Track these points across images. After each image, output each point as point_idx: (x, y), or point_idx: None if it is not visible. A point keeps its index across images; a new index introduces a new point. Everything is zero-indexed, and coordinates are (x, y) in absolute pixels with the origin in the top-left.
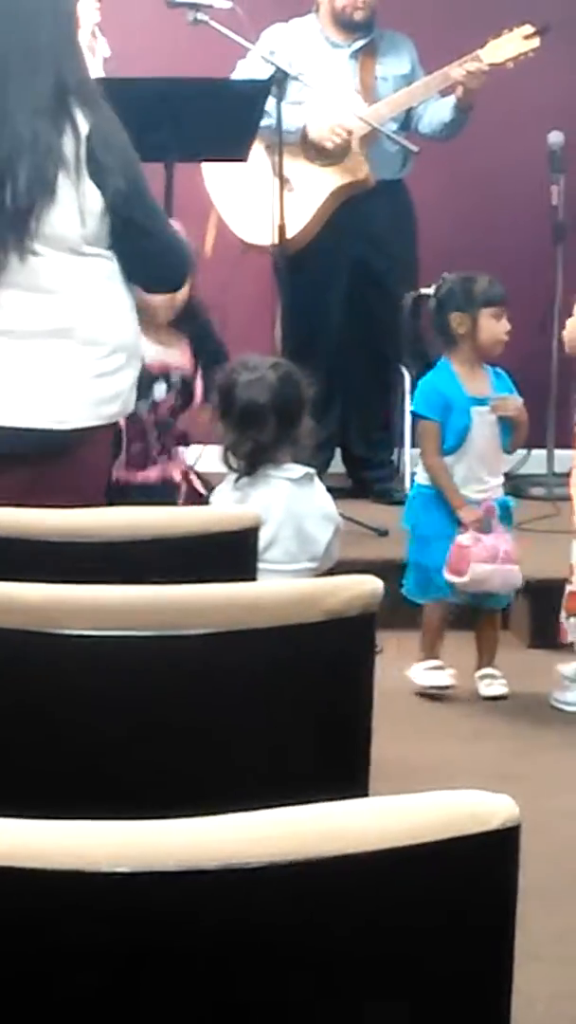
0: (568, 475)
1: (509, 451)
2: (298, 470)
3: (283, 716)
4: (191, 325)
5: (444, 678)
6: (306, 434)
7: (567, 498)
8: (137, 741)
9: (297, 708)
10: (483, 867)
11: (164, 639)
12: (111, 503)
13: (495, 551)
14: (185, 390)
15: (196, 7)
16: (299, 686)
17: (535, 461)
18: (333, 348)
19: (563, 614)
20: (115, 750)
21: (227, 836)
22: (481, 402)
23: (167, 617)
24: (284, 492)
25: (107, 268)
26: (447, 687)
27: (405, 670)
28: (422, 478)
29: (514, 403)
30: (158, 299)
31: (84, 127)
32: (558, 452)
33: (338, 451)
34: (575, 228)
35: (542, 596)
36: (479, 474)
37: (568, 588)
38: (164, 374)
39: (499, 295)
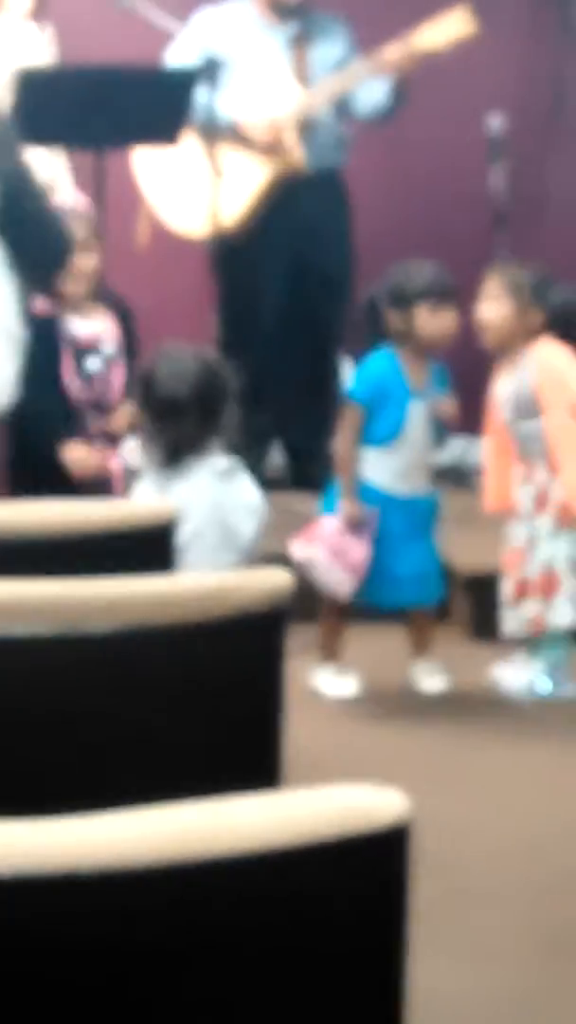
0: None
1: (437, 448)
2: (222, 462)
3: (192, 713)
4: (111, 300)
5: (349, 687)
6: (231, 426)
7: None
8: (41, 740)
9: (206, 705)
10: (373, 864)
11: (67, 637)
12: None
13: (342, 552)
14: (123, 362)
15: None
16: (208, 682)
17: (478, 449)
18: (270, 338)
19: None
20: (18, 749)
21: (107, 837)
22: (420, 395)
23: (70, 614)
24: (207, 484)
25: None
26: (353, 696)
27: (348, 665)
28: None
29: (454, 406)
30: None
31: None
32: None
33: (277, 443)
34: (514, 214)
35: (484, 589)
36: (411, 467)
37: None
38: (93, 348)
39: (437, 289)
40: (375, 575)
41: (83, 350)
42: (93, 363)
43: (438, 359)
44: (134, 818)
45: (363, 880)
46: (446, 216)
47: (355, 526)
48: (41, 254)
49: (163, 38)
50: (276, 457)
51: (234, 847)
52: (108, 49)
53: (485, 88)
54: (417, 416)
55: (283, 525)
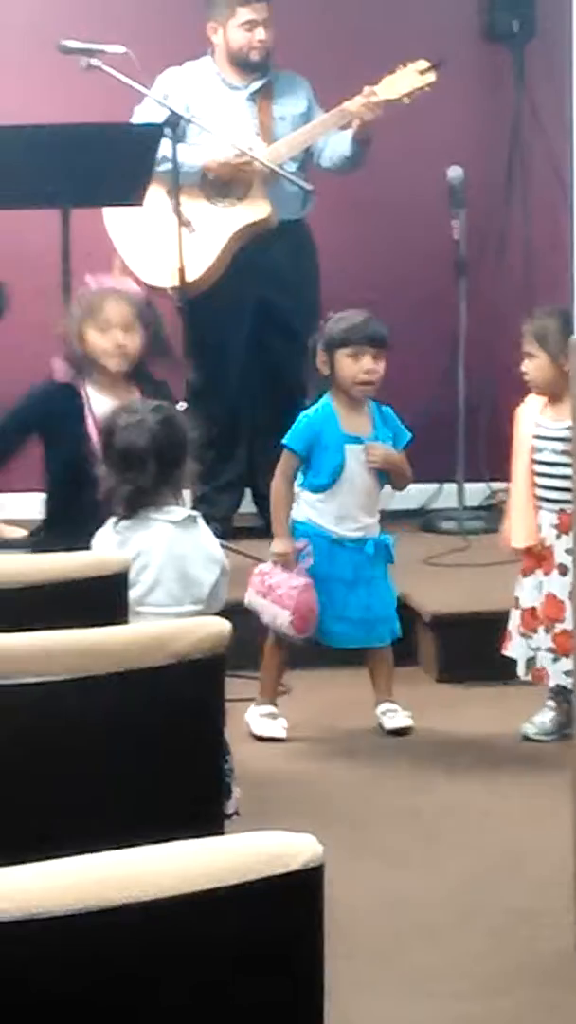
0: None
1: (397, 489)
2: (180, 512)
3: (132, 760)
4: (146, 380)
5: (278, 729)
6: (189, 477)
7: (477, 532)
8: None
9: (146, 751)
10: (286, 907)
11: (5, 687)
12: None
13: (271, 589)
14: None
15: (90, 53)
16: (147, 729)
17: (446, 495)
18: (238, 388)
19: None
20: None
21: (24, 886)
22: (357, 440)
23: (8, 664)
24: (165, 535)
25: None
26: (281, 739)
27: (316, 706)
28: (297, 513)
29: (377, 452)
30: (102, 347)
31: None
32: (468, 486)
33: (248, 491)
34: (476, 262)
35: (451, 630)
36: (353, 512)
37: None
38: None
39: (359, 337)
40: (325, 617)
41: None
42: None
43: (383, 402)
44: (52, 866)
45: (278, 920)
46: (409, 264)
47: (287, 564)
48: None
49: (127, 101)
50: (246, 506)
51: (152, 892)
52: (73, 110)
53: (445, 139)
54: (354, 460)
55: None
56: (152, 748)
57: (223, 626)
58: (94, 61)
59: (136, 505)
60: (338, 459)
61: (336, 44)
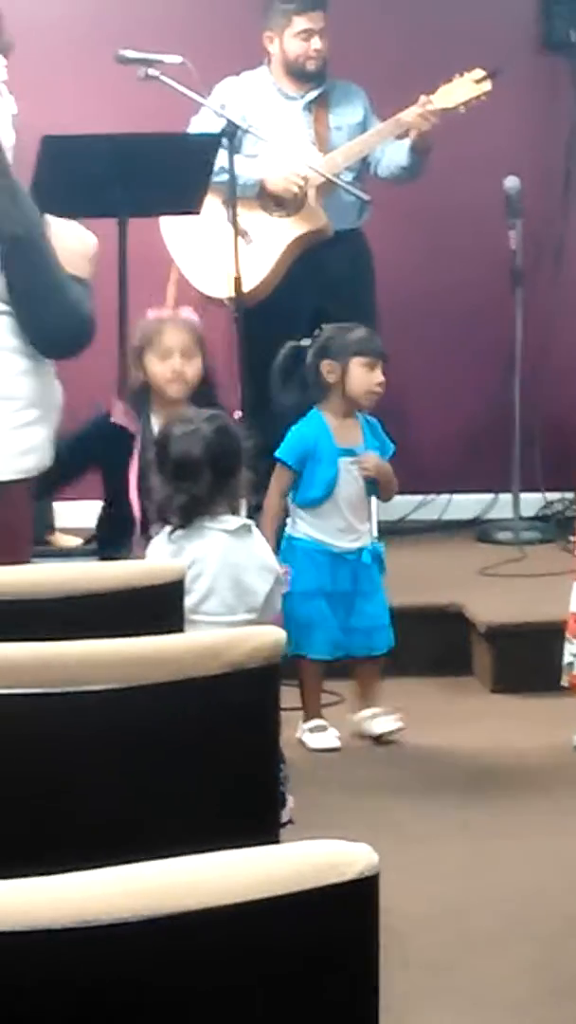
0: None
1: (383, 500)
2: (234, 521)
3: (187, 770)
4: (204, 405)
5: (331, 739)
6: (244, 486)
7: (533, 542)
8: (38, 798)
9: (201, 761)
10: (342, 916)
11: (63, 696)
12: None
13: None
14: None
15: (147, 63)
16: (202, 739)
17: (501, 506)
18: None
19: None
20: (16, 807)
21: (80, 894)
22: (350, 452)
23: (66, 674)
24: (220, 544)
25: (6, 322)
26: (335, 748)
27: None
28: (294, 530)
29: (371, 461)
30: (162, 374)
31: None
32: (524, 496)
33: None
34: (533, 271)
35: (506, 641)
36: (349, 523)
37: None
38: None
39: (374, 348)
40: (333, 630)
41: None
42: None
43: (371, 413)
44: (108, 875)
45: (333, 929)
46: (465, 274)
47: None
48: (51, 336)
49: (184, 111)
50: None
51: (208, 900)
52: (130, 119)
53: (502, 149)
54: (347, 473)
55: None
56: (207, 757)
57: (278, 635)
58: (152, 71)
59: (191, 514)
60: (331, 472)
61: (392, 53)
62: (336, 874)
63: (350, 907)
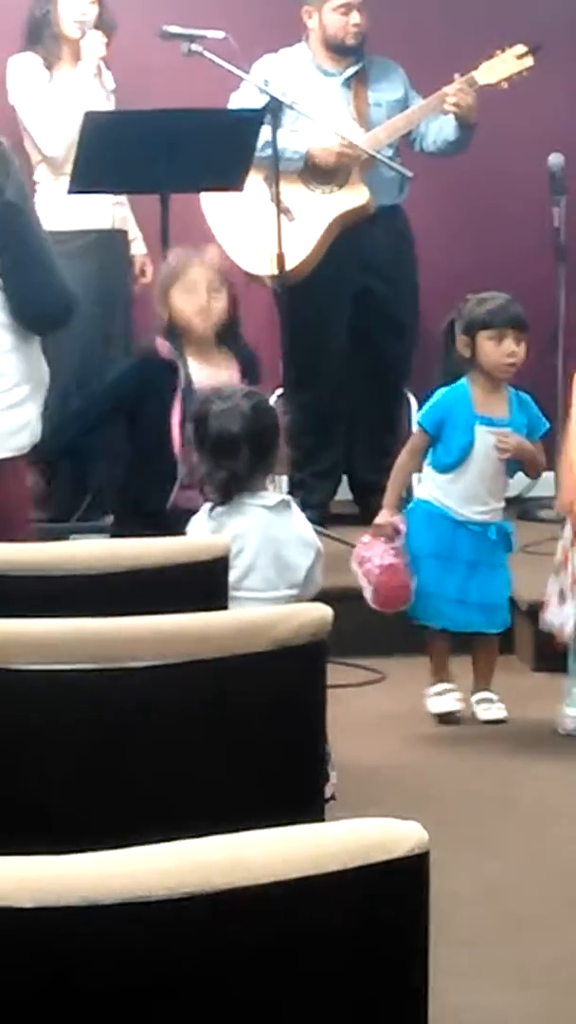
0: None
1: (530, 478)
2: (274, 497)
3: (234, 746)
4: (237, 345)
5: (450, 703)
6: (282, 462)
7: None
8: (85, 775)
9: (247, 738)
10: (391, 895)
11: (110, 672)
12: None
13: (366, 560)
14: None
15: (190, 38)
16: (249, 716)
17: (543, 483)
18: (337, 375)
19: None
20: (64, 784)
21: (129, 870)
22: (491, 422)
23: (112, 649)
24: (260, 520)
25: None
26: (453, 712)
27: (412, 694)
28: (421, 491)
29: (510, 441)
30: (188, 308)
31: None
32: None
33: (345, 478)
34: (574, 248)
35: None
36: (479, 493)
37: None
38: None
39: (499, 318)
40: (444, 599)
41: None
42: None
43: (521, 387)
44: (156, 850)
45: (382, 908)
46: (508, 251)
47: (385, 535)
48: (32, 311)
49: (225, 86)
50: (343, 493)
51: (256, 877)
52: (172, 94)
53: (546, 126)
54: (483, 442)
55: (349, 561)
56: (253, 734)
57: (325, 612)
58: (195, 46)
59: (231, 491)
60: (467, 438)
61: (433, 29)
62: (386, 851)
63: (401, 885)
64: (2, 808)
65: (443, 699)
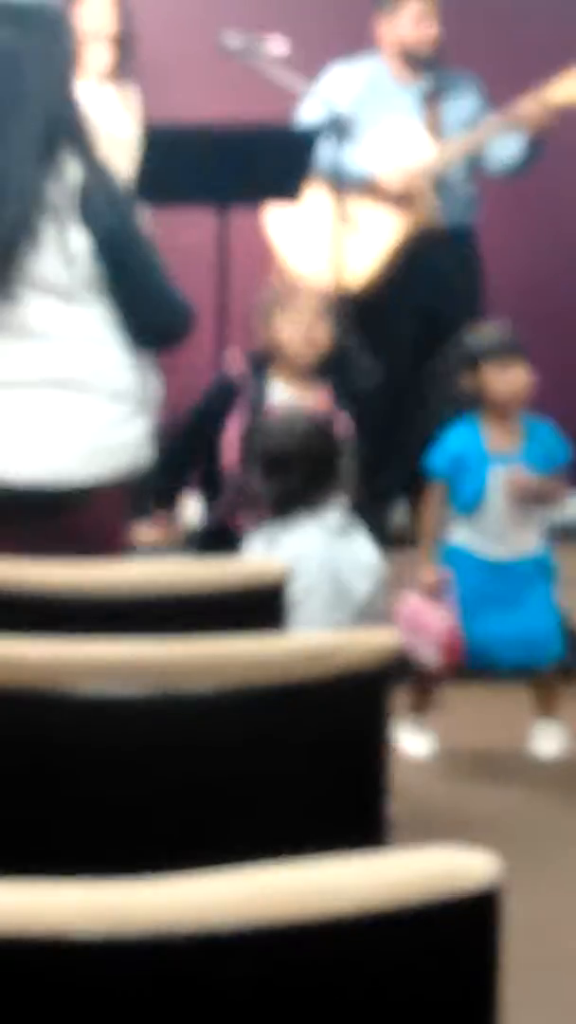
0: None
1: (548, 509)
2: (335, 518)
3: (296, 774)
4: (336, 374)
5: (423, 746)
6: (348, 484)
7: None
8: (143, 801)
9: (310, 766)
10: (462, 927)
11: (169, 697)
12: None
13: (422, 625)
14: None
15: (251, 48)
16: (312, 744)
17: None
18: (398, 393)
19: None
20: (121, 810)
21: (195, 899)
22: (503, 460)
23: (172, 675)
24: (319, 541)
25: (103, 315)
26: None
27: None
28: (452, 536)
29: (517, 483)
30: (296, 343)
31: (75, 172)
32: None
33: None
34: None
35: None
36: (504, 532)
37: None
38: None
39: (502, 344)
40: (485, 642)
41: None
42: None
43: (538, 415)
44: (223, 880)
45: (452, 944)
46: None
47: (433, 593)
48: (150, 327)
49: (290, 97)
50: (400, 515)
51: (321, 910)
52: (232, 108)
53: None
54: (497, 482)
55: (407, 584)
56: (316, 762)
57: (390, 638)
58: (255, 56)
59: (284, 508)
60: (479, 483)
61: (508, 42)
62: (453, 886)
63: (469, 920)
64: (62, 833)
65: (416, 741)
